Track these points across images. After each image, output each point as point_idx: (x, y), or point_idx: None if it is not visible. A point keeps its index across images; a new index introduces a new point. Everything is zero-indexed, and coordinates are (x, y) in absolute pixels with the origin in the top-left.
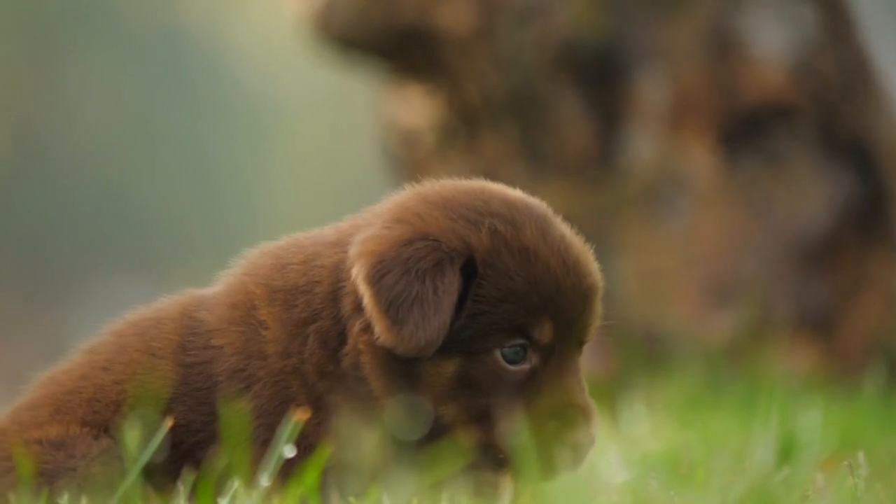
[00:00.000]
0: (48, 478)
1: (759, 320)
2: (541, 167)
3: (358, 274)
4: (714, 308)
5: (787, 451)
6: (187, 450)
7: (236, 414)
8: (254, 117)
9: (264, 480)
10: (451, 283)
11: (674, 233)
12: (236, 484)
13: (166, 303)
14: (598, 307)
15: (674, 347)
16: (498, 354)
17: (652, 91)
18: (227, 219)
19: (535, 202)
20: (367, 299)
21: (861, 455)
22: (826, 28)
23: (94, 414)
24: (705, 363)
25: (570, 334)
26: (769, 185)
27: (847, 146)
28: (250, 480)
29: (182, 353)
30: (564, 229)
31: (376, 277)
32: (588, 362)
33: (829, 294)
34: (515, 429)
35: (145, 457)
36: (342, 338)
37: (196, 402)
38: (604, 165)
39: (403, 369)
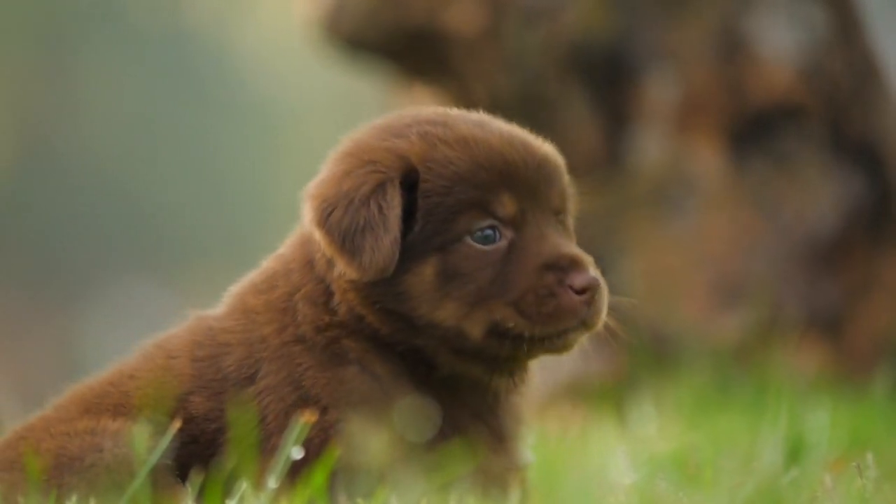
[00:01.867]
0: (72, 460)
1: (768, 321)
2: None
3: (309, 221)
4: (722, 308)
5: (795, 452)
6: (208, 440)
7: (244, 415)
8: (262, 118)
9: (272, 483)
10: (392, 198)
11: (682, 233)
12: (244, 485)
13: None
14: (562, 179)
15: (682, 348)
16: (469, 240)
17: (660, 92)
18: (235, 220)
19: (476, 112)
20: (322, 242)
21: (870, 456)
22: (835, 29)
23: (120, 418)
24: (713, 363)
25: (537, 204)
26: (778, 186)
27: (856, 147)
28: (259, 478)
29: (195, 349)
30: (510, 125)
31: (324, 217)
32: (596, 363)
33: (838, 294)
34: (515, 297)
35: (154, 458)
36: (329, 293)
37: (212, 392)
38: (612, 166)
39: (389, 291)
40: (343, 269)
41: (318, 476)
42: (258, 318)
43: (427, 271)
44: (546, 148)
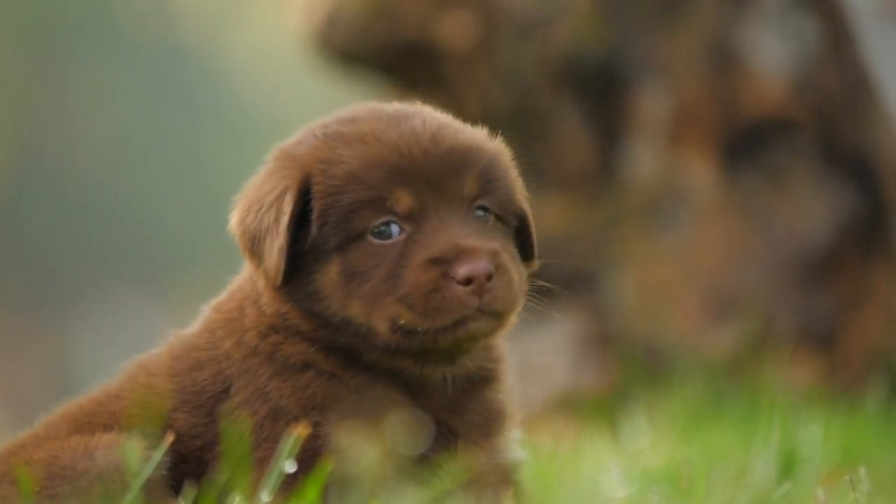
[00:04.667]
0: (63, 468)
1: (760, 334)
2: (541, 181)
3: (231, 224)
4: (715, 322)
5: (788, 466)
6: (196, 459)
7: (235, 428)
8: (254, 132)
9: (265, 496)
10: (287, 205)
11: (674, 246)
12: (237, 499)
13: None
14: (476, 167)
15: (674, 361)
16: (370, 237)
17: (653, 105)
18: (227, 233)
19: (419, 106)
20: (239, 245)
21: (862, 470)
22: (827, 42)
23: (112, 432)
24: (706, 377)
25: (440, 197)
26: (770, 199)
27: (848, 160)
28: (251, 491)
29: (174, 363)
30: (439, 117)
31: (239, 221)
32: (588, 376)
33: (831, 308)
34: (403, 293)
35: (146, 471)
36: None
37: (193, 406)
38: (604, 179)
39: (302, 291)
40: (256, 278)
41: (311, 490)
42: (219, 332)
43: (332, 270)
44: (461, 141)
